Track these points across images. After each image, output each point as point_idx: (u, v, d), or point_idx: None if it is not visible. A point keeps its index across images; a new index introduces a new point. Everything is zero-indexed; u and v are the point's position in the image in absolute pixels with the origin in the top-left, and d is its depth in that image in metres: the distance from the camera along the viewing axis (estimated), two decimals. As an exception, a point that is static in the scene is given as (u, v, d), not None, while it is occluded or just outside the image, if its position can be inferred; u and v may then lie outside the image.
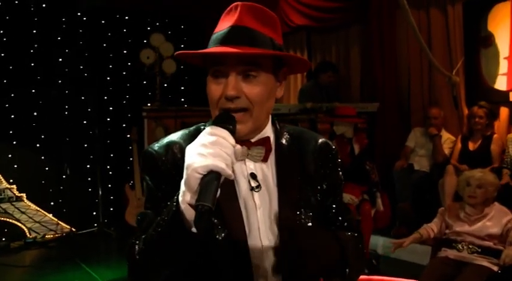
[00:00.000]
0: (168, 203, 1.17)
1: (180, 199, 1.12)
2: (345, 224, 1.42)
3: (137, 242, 1.24)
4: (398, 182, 4.68)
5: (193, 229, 1.10)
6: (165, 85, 6.57)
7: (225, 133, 1.14)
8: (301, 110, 5.22)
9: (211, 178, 1.08)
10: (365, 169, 4.46)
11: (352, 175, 4.42)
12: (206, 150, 1.10)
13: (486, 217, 3.12)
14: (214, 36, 1.30)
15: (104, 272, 4.03)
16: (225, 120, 1.20)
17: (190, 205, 1.09)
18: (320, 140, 1.45)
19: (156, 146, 1.35)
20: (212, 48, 1.27)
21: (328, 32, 6.55)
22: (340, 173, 1.45)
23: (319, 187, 1.38)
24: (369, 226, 4.17)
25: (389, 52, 5.56)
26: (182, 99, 6.95)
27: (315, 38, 6.75)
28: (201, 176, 1.08)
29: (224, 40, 1.26)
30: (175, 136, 1.38)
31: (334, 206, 1.41)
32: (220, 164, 1.09)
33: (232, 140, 1.14)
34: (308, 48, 6.84)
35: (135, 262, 1.24)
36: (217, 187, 1.08)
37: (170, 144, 1.34)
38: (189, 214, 1.10)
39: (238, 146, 1.18)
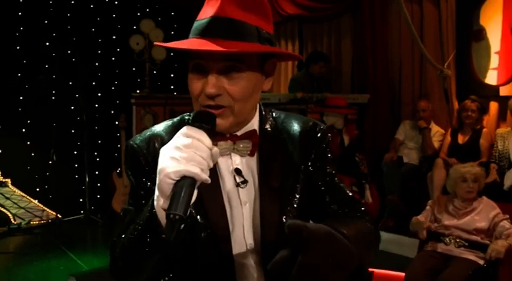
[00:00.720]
0: (145, 204, 1.14)
1: (155, 203, 1.07)
2: (340, 211, 1.30)
3: (117, 241, 1.20)
4: (387, 174, 4.68)
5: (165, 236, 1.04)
6: (154, 72, 6.49)
7: (201, 135, 1.06)
8: (291, 100, 5.19)
9: (185, 184, 1.02)
10: (354, 161, 4.46)
11: (342, 166, 4.43)
12: (180, 154, 1.03)
13: (474, 211, 3.13)
14: (195, 25, 1.22)
15: (89, 260, 3.98)
16: (203, 119, 1.11)
17: (164, 209, 1.04)
18: (306, 122, 1.34)
19: (138, 139, 1.29)
20: (191, 41, 1.19)
21: (320, 22, 6.50)
22: (329, 155, 1.35)
23: (304, 173, 1.29)
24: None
25: (381, 43, 5.53)
26: (171, 87, 6.88)
27: (306, 28, 6.70)
28: (173, 181, 1.02)
29: (204, 32, 1.17)
30: (158, 128, 1.31)
31: (326, 192, 1.31)
32: (194, 169, 1.02)
33: (208, 142, 1.07)
34: (299, 38, 6.79)
35: (116, 263, 1.21)
36: (191, 193, 1.02)
37: (152, 137, 1.28)
38: (164, 219, 1.04)
39: (216, 149, 1.09)
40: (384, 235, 4.59)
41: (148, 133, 1.30)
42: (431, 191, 4.39)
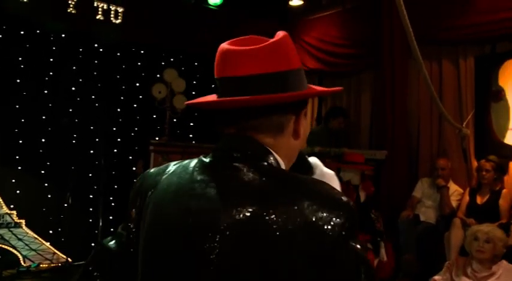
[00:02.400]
0: None
1: None
2: None
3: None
4: (404, 232, 4.58)
5: None
6: (174, 120, 6.59)
7: None
8: (308, 154, 5.16)
9: None
10: (370, 218, 4.39)
11: (357, 222, 4.35)
12: None
13: (494, 276, 3.02)
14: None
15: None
16: None
17: None
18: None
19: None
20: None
21: (340, 77, 6.60)
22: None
23: None
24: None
25: (400, 100, 5.57)
26: (190, 136, 6.96)
27: (326, 83, 6.80)
28: None
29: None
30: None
31: None
32: None
33: None
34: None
35: None
36: None
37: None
38: None
39: None
40: (399, 295, 4.46)
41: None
42: (448, 251, 4.26)
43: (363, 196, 4.43)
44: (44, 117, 5.95)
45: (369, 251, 4.10)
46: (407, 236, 4.54)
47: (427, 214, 4.81)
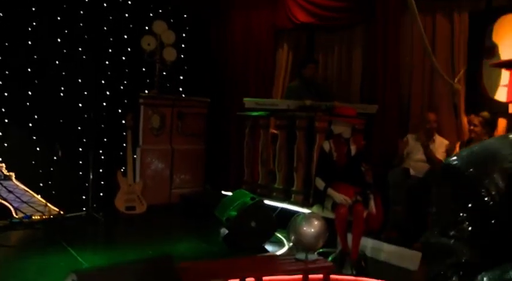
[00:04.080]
0: None
1: None
2: None
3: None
4: (393, 186, 4.66)
5: None
6: (164, 73, 6.51)
7: None
8: (300, 107, 5.19)
9: None
10: (360, 170, 4.44)
11: (347, 175, 4.41)
12: None
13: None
14: None
15: (89, 257, 3.96)
16: None
17: None
18: None
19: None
20: None
21: (332, 31, 6.51)
22: None
23: None
24: (360, 227, 4.14)
25: (393, 55, 5.51)
26: (180, 89, 6.89)
27: (318, 37, 6.71)
28: None
29: None
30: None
31: None
32: None
33: None
34: (311, 47, 6.80)
35: None
36: None
37: None
38: None
39: None
40: (386, 246, 4.57)
41: None
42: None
43: (353, 149, 4.46)
44: (29, 69, 5.82)
45: (359, 204, 4.18)
46: (397, 190, 4.62)
47: (417, 167, 4.87)
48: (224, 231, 4.91)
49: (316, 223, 4.00)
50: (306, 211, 4.91)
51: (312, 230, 3.85)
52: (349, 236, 4.23)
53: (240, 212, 4.51)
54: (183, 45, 6.84)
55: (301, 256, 3.45)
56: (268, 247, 4.58)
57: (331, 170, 4.44)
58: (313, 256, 3.49)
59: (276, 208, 5.15)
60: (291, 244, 4.26)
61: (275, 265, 3.46)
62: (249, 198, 4.72)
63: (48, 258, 3.88)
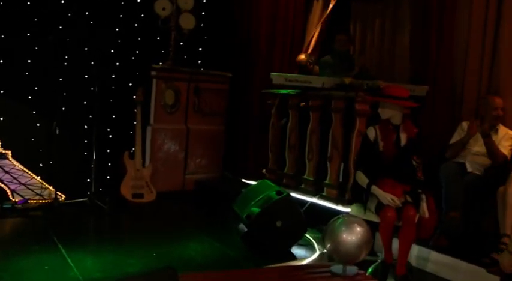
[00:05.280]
0: None
1: None
2: None
3: None
4: (448, 184, 3.88)
5: None
6: (181, 43, 5.76)
7: None
8: (337, 85, 4.41)
9: None
10: (411, 164, 3.66)
11: (396, 170, 3.64)
12: None
13: None
14: None
15: (81, 259, 3.28)
16: None
17: None
18: None
19: None
20: None
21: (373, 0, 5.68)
22: None
23: None
24: (410, 235, 3.39)
25: (448, 27, 4.68)
26: (198, 62, 6.13)
27: (355, 7, 5.87)
28: None
29: None
30: None
31: None
32: None
33: None
34: (346, 19, 5.98)
35: None
36: None
37: None
38: None
39: None
40: (435, 255, 3.82)
41: None
42: (503, 210, 3.56)
43: (404, 138, 3.68)
44: (28, 34, 5.13)
45: (410, 206, 3.43)
46: (451, 188, 3.85)
47: (475, 162, 4.07)
48: (243, 228, 4.23)
49: (358, 229, 3.26)
50: (340, 208, 4.20)
51: (354, 238, 3.13)
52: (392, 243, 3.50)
53: (263, 209, 3.80)
54: (203, 13, 6.06)
55: (337, 269, 2.82)
56: (296, 251, 3.87)
57: (376, 162, 3.68)
58: (353, 269, 2.85)
59: (304, 202, 4.43)
60: (325, 250, 3.55)
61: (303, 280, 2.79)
62: (275, 191, 4.00)
63: (30, 259, 3.21)
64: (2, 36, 4.98)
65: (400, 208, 3.44)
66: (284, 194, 3.93)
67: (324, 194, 4.48)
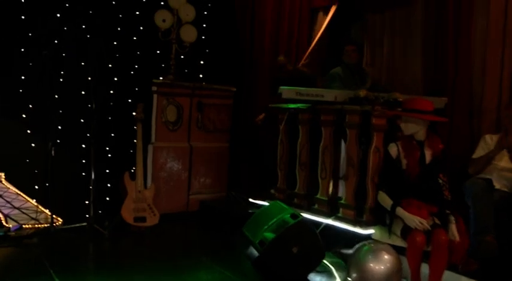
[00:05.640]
0: None
1: None
2: None
3: None
4: (476, 202, 3.59)
5: None
6: (182, 56, 5.50)
7: None
8: (351, 99, 4.14)
9: None
10: (437, 183, 3.40)
11: (421, 190, 3.37)
12: None
13: None
14: None
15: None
16: None
17: None
18: None
19: None
20: None
21: (381, 9, 5.43)
22: None
23: None
24: (443, 261, 3.11)
25: (465, 33, 4.45)
26: (200, 76, 5.86)
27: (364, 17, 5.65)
28: None
29: None
30: None
31: None
32: None
33: None
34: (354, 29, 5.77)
35: None
36: None
37: None
38: None
39: None
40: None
41: None
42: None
43: (428, 155, 3.42)
44: (22, 49, 4.86)
45: (440, 230, 3.14)
46: (481, 208, 3.56)
47: (502, 179, 3.80)
48: (253, 252, 3.93)
49: (387, 257, 3.01)
50: (358, 230, 3.91)
51: (382, 267, 2.89)
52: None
53: (278, 235, 3.50)
54: (204, 25, 5.81)
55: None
56: (314, 278, 3.57)
57: (400, 182, 3.41)
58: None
59: (318, 223, 4.13)
60: (349, 279, 3.26)
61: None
62: (289, 215, 3.70)
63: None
64: (-6, 52, 4.72)
65: (428, 231, 3.16)
66: (299, 218, 3.64)
67: (340, 215, 4.18)
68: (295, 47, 5.82)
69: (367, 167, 4.02)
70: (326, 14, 5.86)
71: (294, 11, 5.93)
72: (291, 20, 5.90)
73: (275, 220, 3.72)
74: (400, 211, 3.26)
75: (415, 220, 3.15)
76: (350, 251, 3.55)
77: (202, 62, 5.86)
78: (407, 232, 3.18)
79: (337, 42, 5.74)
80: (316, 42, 5.59)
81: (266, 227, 3.70)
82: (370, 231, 3.86)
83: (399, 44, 5.32)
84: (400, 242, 3.27)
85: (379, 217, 3.62)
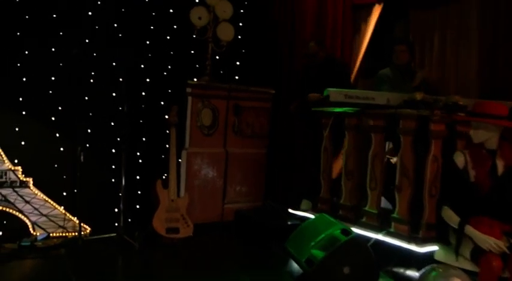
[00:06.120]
0: None
1: None
2: None
3: None
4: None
5: None
6: (217, 57, 5.19)
7: None
8: (405, 102, 3.74)
9: None
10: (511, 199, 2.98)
11: (492, 205, 2.96)
12: None
13: None
14: None
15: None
16: None
17: None
18: None
19: None
20: None
21: (430, 6, 5.02)
22: None
23: None
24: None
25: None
26: (236, 77, 5.54)
27: (412, 16, 5.24)
28: None
29: None
30: None
31: None
32: None
33: None
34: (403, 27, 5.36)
35: None
36: None
37: None
38: None
39: None
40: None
41: None
42: None
43: (501, 166, 3.01)
44: (53, 49, 4.63)
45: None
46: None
47: None
48: (295, 268, 3.59)
49: (460, 285, 2.61)
50: (413, 247, 3.52)
51: (455, 297, 2.48)
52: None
53: (329, 254, 3.13)
54: (240, 23, 5.49)
55: None
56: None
57: (468, 196, 3.00)
58: None
59: (367, 239, 3.74)
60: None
61: None
62: (339, 230, 3.33)
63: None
64: (26, 52, 4.49)
65: (504, 254, 2.75)
66: (352, 234, 3.27)
67: (392, 230, 3.79)
68: (340, 47, 5.46)
69: (424, 177, 3.63)
70: (369, 12, 5.48)
71: (337, 11, 5.59)
72: (335, 18, 5.55)
73: (323, 235, 3.36)
74: (469, 229, 2.85)
75: (488, 241, 2.74)
76: (407, 272, 3.17)
77: (238, 63, 5.54)
78: (479, 254, 2.77)
79: (380, 42, 5.39)
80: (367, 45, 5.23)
81: (313, 243, 3.34)
82: (427, 249, 3.49)
83: (450, 45, 4.90)
84: (469, 266, 2.86)
85: (440, 235, 3.22)
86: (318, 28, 5.53)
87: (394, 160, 4.41)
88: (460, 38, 4.80)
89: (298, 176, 5.25)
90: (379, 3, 5.36)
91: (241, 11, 5.57)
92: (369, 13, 5.49)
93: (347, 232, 3.31)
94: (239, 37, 5.42)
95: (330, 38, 5.48)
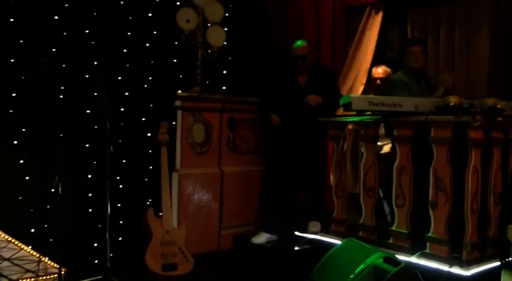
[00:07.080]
0: None
1: None
2: None
3: None
4: None
5: None
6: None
7: None
8: (438, 108, 3.33)
9: None
10: None
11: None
12: None
13: None
14: None
15: None
16: None
17: None
18: None
19: None
20: None
21: (434, 4, 4.71)
22: None
23: None
24: None
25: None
26: (223, 87, 4.99)
27: (413, 14, 4.89)
28: None
29: None
30: None
31: None
32: None
33: None
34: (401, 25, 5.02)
35: None
36: None
37: None
38: None
39: None
40: None
41: None
42: None
43: None
44: (12, 60, 3.91)
45: None
46: None
47: None
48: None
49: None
50: (457, 271, 3.11)
51: None
52: None
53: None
54: (225, 29, 4.96)
55: None
56: None
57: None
58: None
59: (414, 265, 3.28)
60: None
61: None
62: (382, 259, 2.84)
63: None
64: None
65: None
66: (402, 264, 2.78)
67: (427, 251, 3.35)
68: (333, 53, 5.07)
69: (465, 192, 3.22)
70: (360, 14, 5.12)
71: (327, 14, 5.22)
72: (326, 23, 5.19)
73: (363, 265, 2.86)
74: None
75: None
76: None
77: (226, 72, 5.00)
78: None
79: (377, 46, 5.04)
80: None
81: (353, 276, 2.83)
82: (472, 272, 3.09)
83: (458, 42, 4.58)
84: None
85: (504, 257, 2.81)
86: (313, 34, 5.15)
87: (386, 148, 4.07)
88: (468, 34, 4.48)
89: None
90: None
91: (232, 13, 5.05)
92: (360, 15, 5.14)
93: (392, 261, 2.83)
94: (228, 42, 4.89)
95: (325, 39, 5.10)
